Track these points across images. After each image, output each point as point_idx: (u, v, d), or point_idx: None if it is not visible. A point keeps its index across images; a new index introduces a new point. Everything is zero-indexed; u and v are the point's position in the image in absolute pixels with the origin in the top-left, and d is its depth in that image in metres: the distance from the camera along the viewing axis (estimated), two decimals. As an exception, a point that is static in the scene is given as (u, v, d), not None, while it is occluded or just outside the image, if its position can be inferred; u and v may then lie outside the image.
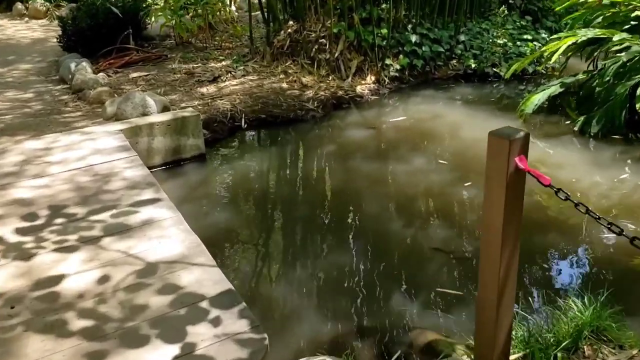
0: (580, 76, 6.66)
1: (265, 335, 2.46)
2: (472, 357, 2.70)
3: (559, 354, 2.46)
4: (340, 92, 7.61)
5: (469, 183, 5.09)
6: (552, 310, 2.79)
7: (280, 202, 5.21)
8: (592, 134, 5.97)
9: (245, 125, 6.71)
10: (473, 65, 8.55)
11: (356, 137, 6.52)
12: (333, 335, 3.33)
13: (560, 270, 3.87)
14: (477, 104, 7.49)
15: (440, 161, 5.59)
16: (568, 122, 6.42)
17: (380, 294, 3.72)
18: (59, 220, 3.54)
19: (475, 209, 4.71)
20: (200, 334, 2.48)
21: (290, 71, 8.05)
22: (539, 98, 6.45)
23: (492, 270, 2.17)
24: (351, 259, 4.11)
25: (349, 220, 4.71)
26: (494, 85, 8.39)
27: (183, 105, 6.68)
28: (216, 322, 2.55)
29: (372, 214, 4.72)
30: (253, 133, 6.75)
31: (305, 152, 6.35)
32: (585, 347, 2.57)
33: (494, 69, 8.53)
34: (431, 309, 3.55)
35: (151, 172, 5.23)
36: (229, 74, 7.96)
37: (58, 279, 2.93)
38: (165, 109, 5.99)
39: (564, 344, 2.46)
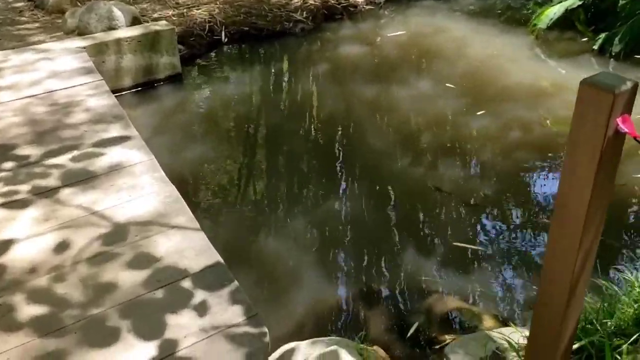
0: (601, -13, 5.97)
1: (266, 329, 1.96)
2: (511, 340, 2.25)
3: (624, 346, 2.01)
4: (332, 1, 6.82)
5: (482, 112, 4.51)
6: (609, 286, 2.32)
7: (267, 132, 4.62)
8: (613, 54, 5.37)
9: (226, 39, 5.98)
10: (476, -28, 7.73)
11: (351, 54, 5.85)
12: (338, 301, 2.87)
13: (615, 234, 3.34)
14: (482, 17, 6.78)
15: (447, 85, 4.98)
16: (585, 39, 5.79)
17: (385, 247, 3.23)
18: (8, 165, 2.94)
19: (490, 143, 4.17)
20: (183, 327, 1.97)
21: (275, -24, 7.18)
22: (554, 12, 5.79)
23: (565, 260, 1.66)
24: (350, 204, 3.60)
25: (345, 156, 4.15)
26: (499, -5, 7.63)
27: (155, 16, 5.89)
28: (202, 309, 2.04)
29: (371, 149, 4.16)
30: (235, 48, 6.03)
31: (293, 71, 5.69)
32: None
33: (499, -24, 7.74)
34: (447, 266, 3.08)
35: (120, 95, 4.62)
36: (207, -21, 7.07)
37: (5, 245, 2.37)
38: (135, 20, 5.23)
39: (632, 337, 2.01)
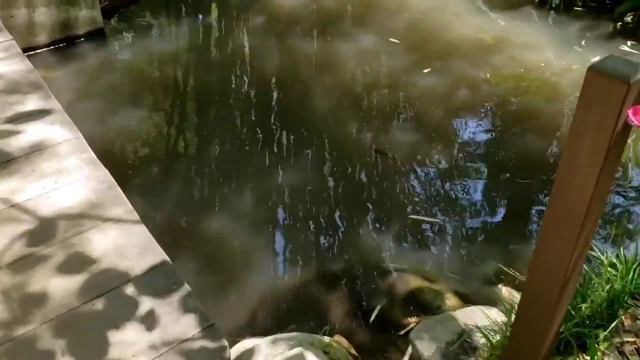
0: None
1: (225, 343, 1.74)
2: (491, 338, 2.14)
3: (600, 334, 1.93)
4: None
5: (428, 69, 4.33)
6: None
7: (199, 93, 4.28)
8: (553, 6, 5.32)
9: (152, -11, 5.49)
10: None
11: (286, 3, 5.49)
12: (293, 288, 2.67)
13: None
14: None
15: (392, 40, 4.75)
16: (526, -11, 5.68)
17: (337, 222, 3.05)
18: None
19: (439, 104, 4.01)
20: (130, 344, 1.73)
21: None
22: (495, -40, 5.61)
23: (559, 260, 1.52)
24: (293, 174, 3.37)
25: (284, 118, 3.88)
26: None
27: (69, -38, 5.30)
28: (150, 321, 1.80)
29: (312, 110, 3.91)
30: (161, -2, 5.57)
31: (227, 24, 5.30)
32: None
33: None
34: (404, 242, 2.94)
35: (35, 54, 4.15)
36: None
37: None
38: (45, -32, 4.67)
39: (610, 326, 1.92)
